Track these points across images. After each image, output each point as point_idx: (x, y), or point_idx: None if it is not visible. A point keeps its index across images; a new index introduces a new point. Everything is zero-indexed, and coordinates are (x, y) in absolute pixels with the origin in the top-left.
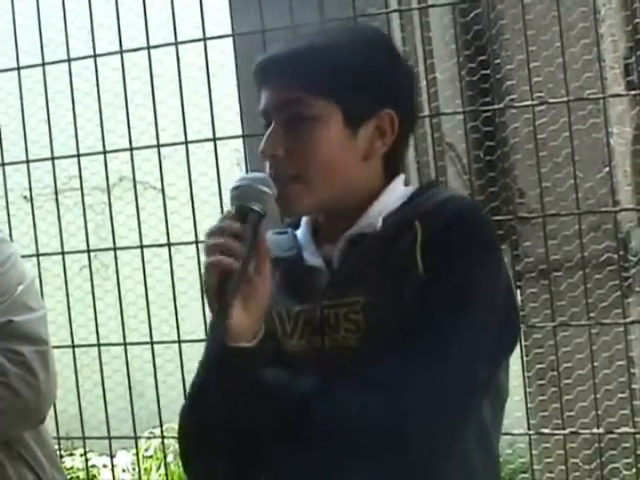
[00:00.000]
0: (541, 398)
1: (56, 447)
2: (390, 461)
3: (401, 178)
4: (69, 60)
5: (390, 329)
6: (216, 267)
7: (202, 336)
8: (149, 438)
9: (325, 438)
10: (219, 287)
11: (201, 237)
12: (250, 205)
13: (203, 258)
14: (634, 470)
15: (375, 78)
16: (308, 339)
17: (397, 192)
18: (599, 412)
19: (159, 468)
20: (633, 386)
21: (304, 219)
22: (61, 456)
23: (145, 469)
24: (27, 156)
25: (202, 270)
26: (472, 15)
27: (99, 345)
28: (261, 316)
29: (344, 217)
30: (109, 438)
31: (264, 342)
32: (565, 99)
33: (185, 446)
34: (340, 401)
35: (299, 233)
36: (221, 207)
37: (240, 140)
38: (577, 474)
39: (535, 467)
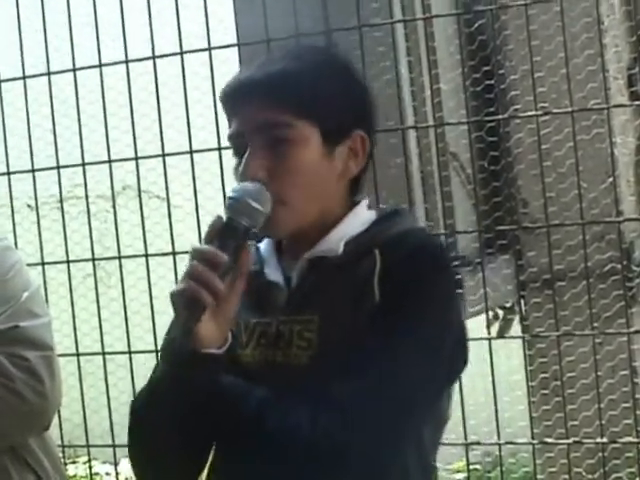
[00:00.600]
0: (545, 407)
1: (60, 455)
2: (333, 476)
3: (365, 202)
4: (74, 69)
5: (341, 350)
6: (186, 294)
7: None
8: None
9: (271, 448)
10: (186, 309)
11: None
12: (239, 220)
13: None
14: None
15: (347, 99)
16: (261, 351)
17: (360, 217)
18: (603, 421)
19: None
20: (637, 396)
21: None
22: (65, 464)
23: None
24: (32, 165)
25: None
26: (477, 25)
27: (104, 353)
28: (229, 326)
29: (308, 237)
30: (113, 446)
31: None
32: (569, 109)
33: (137, 444)
34: (287, 414)
35: (262, 247)
36: None
37: None
38: None
39: (539, 476)
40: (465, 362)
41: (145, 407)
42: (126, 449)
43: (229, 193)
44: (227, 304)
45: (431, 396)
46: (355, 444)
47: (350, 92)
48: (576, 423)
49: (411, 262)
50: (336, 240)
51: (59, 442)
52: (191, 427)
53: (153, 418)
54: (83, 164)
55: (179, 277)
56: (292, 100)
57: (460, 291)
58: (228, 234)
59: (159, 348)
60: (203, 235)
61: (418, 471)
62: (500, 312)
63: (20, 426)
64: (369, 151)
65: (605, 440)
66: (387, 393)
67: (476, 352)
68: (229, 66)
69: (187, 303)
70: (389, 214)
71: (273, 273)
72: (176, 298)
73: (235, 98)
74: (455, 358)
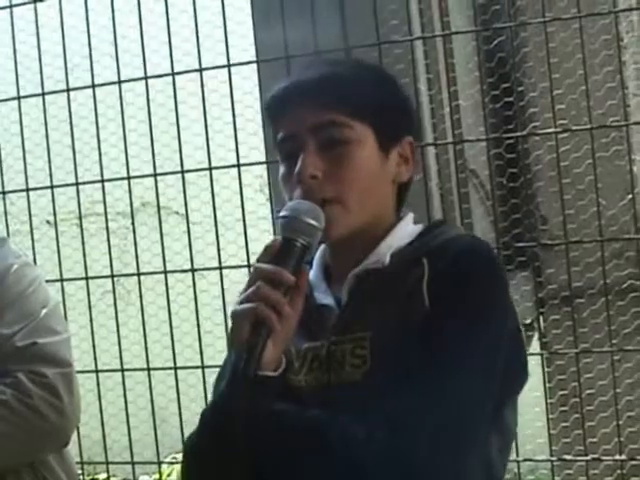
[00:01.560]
0: (564, 424)
1: (79, 472)
2: None
3: (411, 216)
4: (93, 86)
5: (396, 364)
6: (255, 316)
7: None
8: (172, 463)
9: (328, 466)
10: (251, 332)
11: (225, 262)
12: (296, 238)
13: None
14: None
15: (398, 105)
16: (315, 376)
17: (407, 229)
18: (622, 438)
19: None
20: None
21: (316, 259)
22: None
23: None
24: (51, 181)
25: (239, 299)
26: (496, 42)
27: (122, 370)
28: (285, 348)
29: (355, 253)
30: (132, 463)
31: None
32: (588, 126)
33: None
34: (344, 432)
35: (311, 272)
36: (245, 233)
37: (264, 166)
38: None
39: None
40: (526, 372)
41: (208, 437)
42: (144, 466)
43: (282, 212)
44: (286, 324)
45: (491, 406)
46: (413, 461)
47: (399, 98)
48: (595, 440)
49: (459, 265)
50: (383, 252)
51: (78, 459)
52: (251, 458)
53: (214, 448)
54: (102, 180)
55: (200, 294)
56: (347, 101)
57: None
58: (287, 253)
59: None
60: (258, 256)
61: None
62: None
63: (39, 443)
64: (416, 159)
65: (624, 457)
66: (442, 407)
67: None
68: (248, 83)
69: (255, 326)
70: (434, 224)
71: (324, 297)
72: (241, 319)
73: (287, 101)
74: (515, 367)
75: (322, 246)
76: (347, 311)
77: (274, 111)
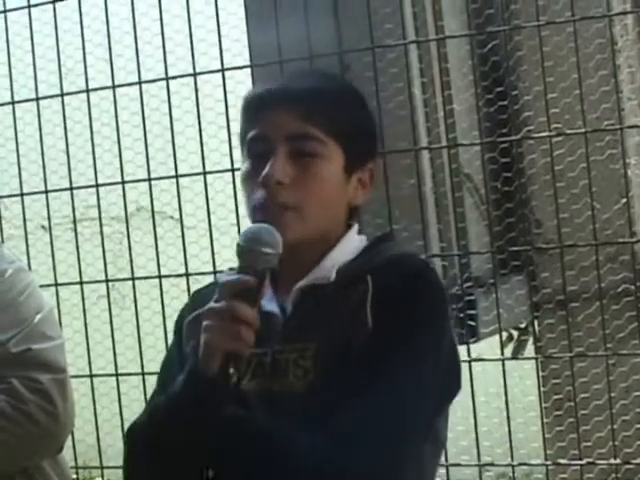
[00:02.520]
0: (558, 428)
1: (74, 476)
2: None
3: (355, 227)
4: (87, 91)
5: (337, 377)
6: (224, 347)
7: None
8: None
9: (274, 474)
10: (228, 358)
11: (219, 267)
12: (255, 267)
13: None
14: None
15: (369, 129)
16: (258, 381)
17: (351, 242)
18: (616, 443)
19: None
20: None
21: None
22: None
23: None
24: (46, 186)
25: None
26: (490, 46)
27: (117, 375)
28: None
29: (302, 263)
30: None
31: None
32: (582, 130)
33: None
34: (289, 441)
35: None
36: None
37: None
38: None
39: None
40: (459, 384)
41: (155, 433)
42: None
43: (241, 240)
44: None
45: (428, 418)
46: (356, 469)
47: (370, 123)
48: (589, 444)
49: (403, 286)
50: (328, 267)
51: (73, 463)
52: (194, 453)
53: (161, 442)
54: (96, 185)
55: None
56: (325, 117)
57: (449, 315)
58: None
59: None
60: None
61: None
62: (514, 333)
63: (33, 449)
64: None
65: (619, 461)
66: (385, 417)
67: (490, 373)
68: (242, 87)
69: (230, 354)
70: (379, 239)
71: (268, 304)
72: (212, 347)
73: (268, 103)
74: (449, 379)
75: None
76: (292, 321)
77: (252, 108)
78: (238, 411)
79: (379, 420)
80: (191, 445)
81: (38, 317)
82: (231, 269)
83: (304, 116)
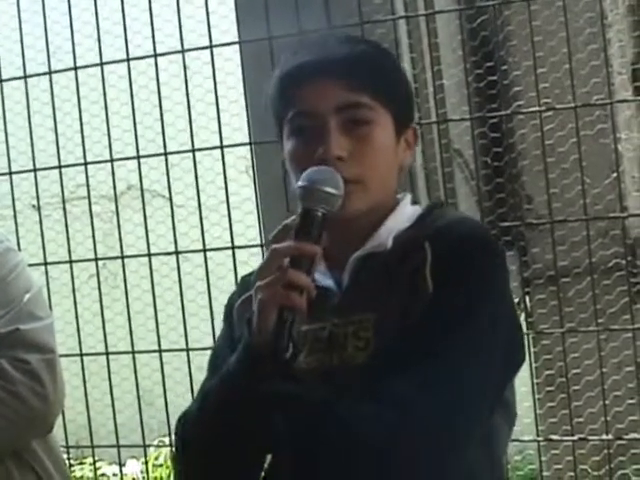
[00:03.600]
0: (550, 404)
1: (65, 456)
2: (400, 469)
3: (409, 197)
4: (75, 68)
5: (400, 346)
6: (278, 302)
7: (210, 344)
8: (158, 446)
9: (337, 447)
10: (278, 319)
11: (209, 244)
12: (317, 208)
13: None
14: None
15: (409, 91)
16: (316, 357)
17: (407, 211)
18: (608, 418)
19: (169, 476)
20: None
21: None
22: (71, 465)
23: (155, 478)
24: (34, 165)
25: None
26: (479, 21)
27: (107, 354)
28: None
29: (356, 236)
30: (118, 447)
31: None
32: (572, 105)
33: (200, 451)
34: (355, 412)
35: None
36: (229, 215)
37: (247, 148)
38: None
39: (544, 473)
40: (523, 353)
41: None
42: (131, 450)
43: (301, 182)
44: (305, 297)
45: (493, 387)
46: (420, 440)
47: (408, 81)
48: (581, 420)
49: (461, 251)
50: (385, 235)
51: (64, 443)
52: (249, 434)
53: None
54: (85, 163)
55: (184, 277)
56: (372, 83)
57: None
58: (309, 224)
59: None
60: (274, 233)
61: (487, 467)
62: None
63: (22, 429)
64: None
65: (611, 437)
66: (449, 385)
67: None
68: (231, 64)
69: (282, 311)
70: (434, 206)
71: (323, 278)
72: (267, 307)
73: (311, 75)
74: (512, 348)
75: None
76: (349, 293)
77: (291, 83)
78: (292, 388)
79: (443, 388)
80: (247, 426)
81: (27, 297)
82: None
83: (350, 84)
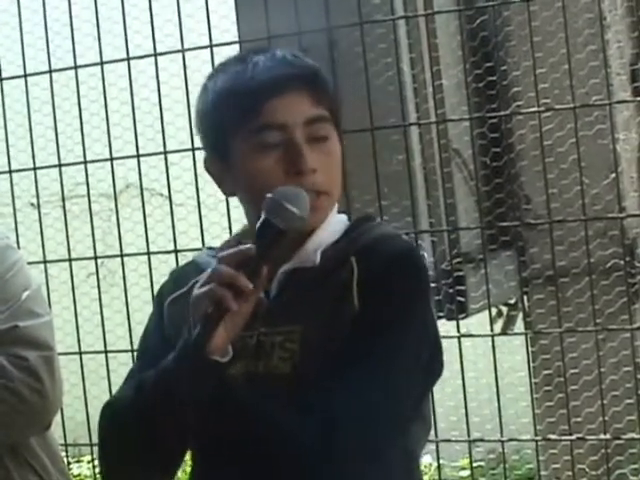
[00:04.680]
0: (548, 404)
1: (63, 454)
2: (321, 477)
3: (336, 208)
4: (76, 67)
5: (325, 359)
6: (215, 300)
7: None
8: None
9: (263, 454)
10: (208, 313)
11: (208, 243)
12: (273, 221)
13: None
14: None
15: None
16: (243, 364)
17: (334, 222)
18: (606, 418)
19: None
20: None
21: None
22: (69, 463)
23: None
24: (34, 163)
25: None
26: (478, 22)
27: (106, 352)
28: (237, 335)
29: (285, 247)
30: None
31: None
32: (571, 105)
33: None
34: (278, 421)
35: None
36: (228, 214)
37: None
38: None
39: (542, 473)
40: (441, 364)
41: (133, 406)
42: None
43: (271, 194)
44: (244, 310)
45: (414, 398)
46: (343, 451)
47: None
48: (579, 419)
49: (387, 268)
50: (312, 250)
51: (62, 441)
52: (174, 427)
53: (137, 417)
54: (85, 162)
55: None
56: (329, 97)
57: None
58: (263, 233)
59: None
60: (226, 254)
61: (404, 476)
62: (503, 309)
63: (20, 426)
64: None
65: (608, 436)
66: (371, 400)
67: (479, 349)
68: None
69: (212, 307)
70: (361, 220)
71: None
72: (199, 300)
73: (272, 89)
74: (433, 360)
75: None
76: (277, 304)
77: (252, 96)
78: (224, 391)
79: (365, 402)
80: (178, 421)
81: (25, 294)
82: (210, 248)
83: (316, 98)
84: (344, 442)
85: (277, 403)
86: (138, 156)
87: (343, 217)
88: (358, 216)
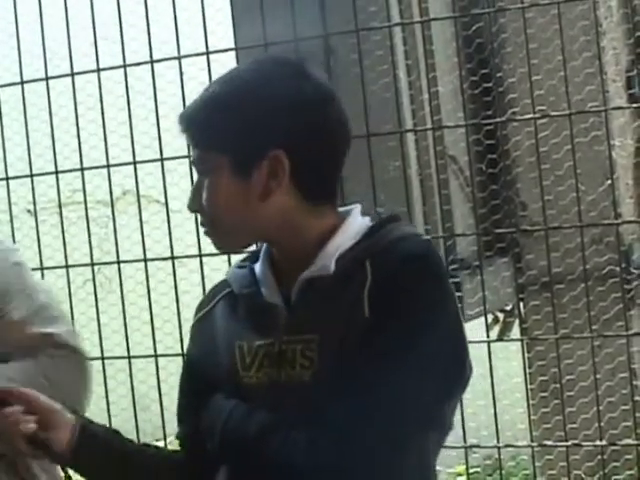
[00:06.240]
0: (544, 410)
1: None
2: None
3: (357, 210)
4: (72, 74)
5: (340, 369)
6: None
7: None
8: None
9: (270, 474)
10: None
11: (205, 250)
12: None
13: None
14: None
15: (253, 126)
16: (266, 372)
17: (353, 227)
18: (602, 424)
19: None
20: (636, 398)
21: (262, 254)
22: (65, 469)
23: None
24: (31, 170)
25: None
26: (474, 28)
27: (103, 358)
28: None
29: (299, 257)
30: None
31: (223, 376)
32: (567, 112)
33: None
34: (286, 440)
35: (257, 268)
36: None
37: None
38: None
39: (538, 479)
40: (469, 368)
41: None
42: None
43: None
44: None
45: (431, 406)
46: (355, 464)
47: (259, 116)
48: (575, 426)
49: (399, 274)
50: (329, 256)
51: None
52: None
53: None
54: (82, 169)
55: (180, 282)
56: (198, 135)
57: (456, 294)
58: None
59: None
60: None
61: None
62: (500, 315)
63: (87, 378)
64: (309, 163)
65: (604, 442)
66: (383, 411)
67: (475, 355)
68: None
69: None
70: (382, 222)
71: (271, 294)
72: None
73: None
74: (454, 364)
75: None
76: (297, 312)
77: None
78: (240, 406)
79: (377, 414)
80: None
81: (48, 298)
82: (243, 261)
83: (191, 141)
84: (356, 458)
85: (297, 413)
86: (135, 163)
87: (363, 220)
88: (381, 217)
